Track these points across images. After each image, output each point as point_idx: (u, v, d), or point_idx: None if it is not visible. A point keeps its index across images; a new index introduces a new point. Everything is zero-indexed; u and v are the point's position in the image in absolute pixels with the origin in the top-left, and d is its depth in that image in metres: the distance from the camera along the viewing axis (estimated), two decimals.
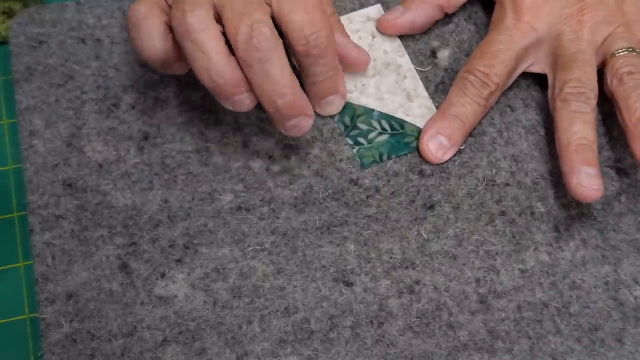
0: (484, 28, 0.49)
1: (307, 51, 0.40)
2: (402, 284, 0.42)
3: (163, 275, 0.41)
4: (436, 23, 0.49)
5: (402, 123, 0.46)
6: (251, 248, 0.42)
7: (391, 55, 0.47)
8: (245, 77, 0.39)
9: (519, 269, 0.42)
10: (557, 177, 0.44)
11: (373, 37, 0.48)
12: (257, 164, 0.44)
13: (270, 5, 0.39)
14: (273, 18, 0.39)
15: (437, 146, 0.44)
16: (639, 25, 0.45)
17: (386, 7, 0.49)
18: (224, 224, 0.42)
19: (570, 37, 0.45)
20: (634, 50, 0.44)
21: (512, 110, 0.47)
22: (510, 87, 0.47)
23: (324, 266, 0.42)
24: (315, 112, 0.43)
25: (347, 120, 0.45)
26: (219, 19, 0.38)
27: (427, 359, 0.40)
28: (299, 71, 0.42)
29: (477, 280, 0.42)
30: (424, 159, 0.45)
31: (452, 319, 0.41)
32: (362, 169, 0.44)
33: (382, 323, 0.41)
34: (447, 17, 0.49)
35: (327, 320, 0.40)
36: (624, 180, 0.45)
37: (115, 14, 0.48)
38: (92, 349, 0.39)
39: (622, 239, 0.44)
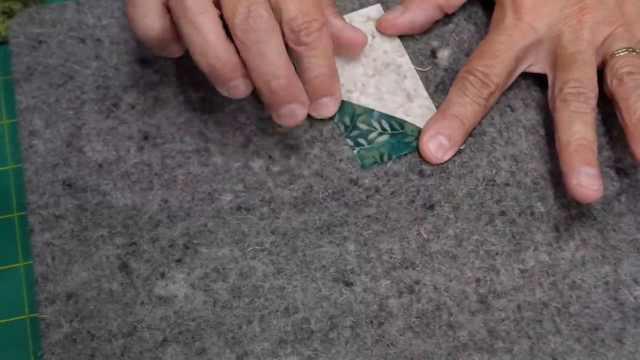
0: (484, 28, 0.49)
1: (298, 39, 0.40)
2: (402, 284, 0.42)
3: (163, 275, 0.41)
4: (436, 23, 0.49)
5: (402, 123, 0.46)
6: (251, 248, 0.42)
7: (391, 55, 0.47)
8: (243, 62, 0.39)
9: (519, 269, 0.42)
10: (557, 177, 0.44)
11: (373, 37, 0.48)
12: (257, 164, 0.44)
13: None
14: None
15: (437, 146, 0.44)
16: (639, 25, 0.46)
17: (386, 7, 0.49)
18: (224, 224, 0.42)
19: (570, 37, 0.45)
20: (634, 51, 0.44)
21: (512, 110, 0.47)
22: (510, 87, 0.47)
23: (324, 266, 0.42)
24: (310, 115, 0.43)
25: (347, 120, 0.45)
26: (217, 3, 0.39)
27: (427, 359, 0.40)
28: (296, 67, 0.42)
29: (477, 280, 0.42)
30: (423, 159, 0.45)
31: (452, 319, 0.41)
32: (363, 170, 0.44)
33: (382, 323, 0.41)
34: (447, 17, 0.49)
35: (327, 320, 0.40)
36: (624, 180, 0.45)
37: (115, 14, 0.48)
38: (92, 349, 0.39)
39: (622, 239, 0.44)
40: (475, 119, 0.45)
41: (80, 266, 0.41)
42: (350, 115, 0.45)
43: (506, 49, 0.45)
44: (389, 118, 0.46)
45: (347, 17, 0.48)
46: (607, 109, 0.46)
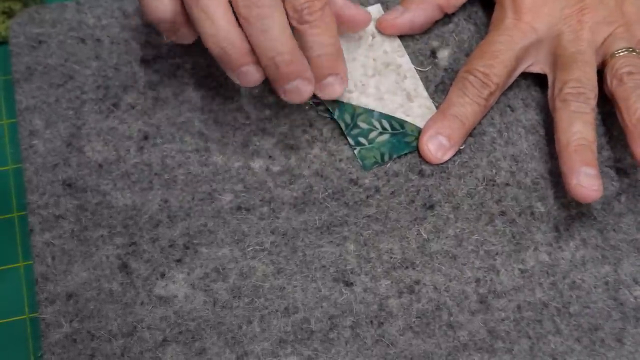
0: (484, 28, 0.49)
1: (301, 17, 0.40)
2: (402, 284, 0.42)
3: (163, 275, 0.41)
4: (436, 23, 0.49)
5: (402, 123, 0.46)
6: (251, 248, 0.42)
7: (391, 55, 0.47)
8: (253, 50, 0.39)
9: (519, 269, 0.42)
10: (557, 177, 0.44)
11: (373, 37, 0.48)
12: (257, 164, 0.44)
13: None
14: None
15: (436, 146, 0.44)
16: (639, 26, 0.46)
17: (386, 7, 0.49)
18: (224, 224, 0.42)
19: (570, 38, 0.45)
20: (634, 51, 0.44)
21: (512, 110, 0.47)
22: (510, 87, 0.47)
23: (324, 266, 0.42)
24: (316, 96, 0.42)
25: (347, 118, 0.45)
26: None
27: (427, 359, 0.40)
28: (301, 47, 0.42)
29: (477, 280, 0.42)
30: (423, 159, 0.45)
31: (452, 319, 0.41)
32: (363, 170, 0.44)
33: (382, 323, 0.41)
34: (447, 17, 0.49)
35: (327, 320, 0.40)
36: (624, 180, 0.45)
37: (115, 14, 0.48)
38: (92, 349, 0.39)
39: (622, 239, 0.44)
40: (475, 119, 0.45)
41: (80, 266, 0.41)
42: (351, 114, 0.45)
43: (506, 49, 0.45)
44: (389, 118, 0.46)
45: None
46: (607, 109, 0.46)
